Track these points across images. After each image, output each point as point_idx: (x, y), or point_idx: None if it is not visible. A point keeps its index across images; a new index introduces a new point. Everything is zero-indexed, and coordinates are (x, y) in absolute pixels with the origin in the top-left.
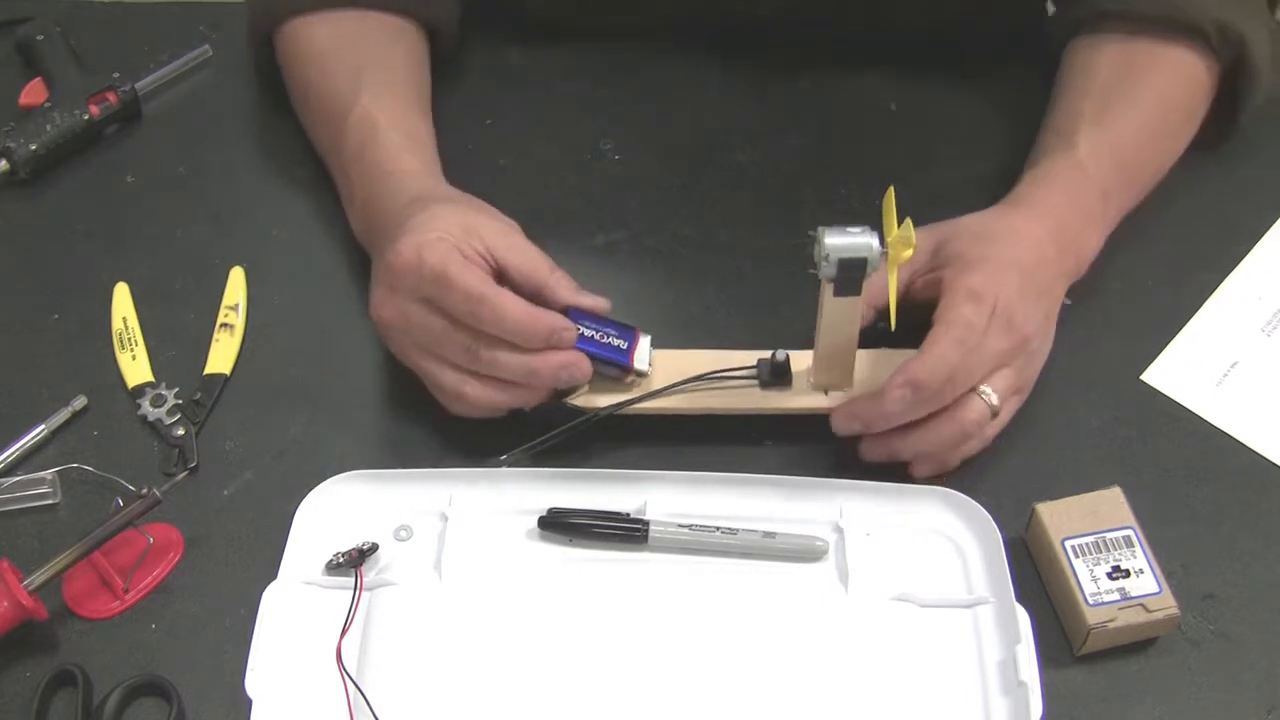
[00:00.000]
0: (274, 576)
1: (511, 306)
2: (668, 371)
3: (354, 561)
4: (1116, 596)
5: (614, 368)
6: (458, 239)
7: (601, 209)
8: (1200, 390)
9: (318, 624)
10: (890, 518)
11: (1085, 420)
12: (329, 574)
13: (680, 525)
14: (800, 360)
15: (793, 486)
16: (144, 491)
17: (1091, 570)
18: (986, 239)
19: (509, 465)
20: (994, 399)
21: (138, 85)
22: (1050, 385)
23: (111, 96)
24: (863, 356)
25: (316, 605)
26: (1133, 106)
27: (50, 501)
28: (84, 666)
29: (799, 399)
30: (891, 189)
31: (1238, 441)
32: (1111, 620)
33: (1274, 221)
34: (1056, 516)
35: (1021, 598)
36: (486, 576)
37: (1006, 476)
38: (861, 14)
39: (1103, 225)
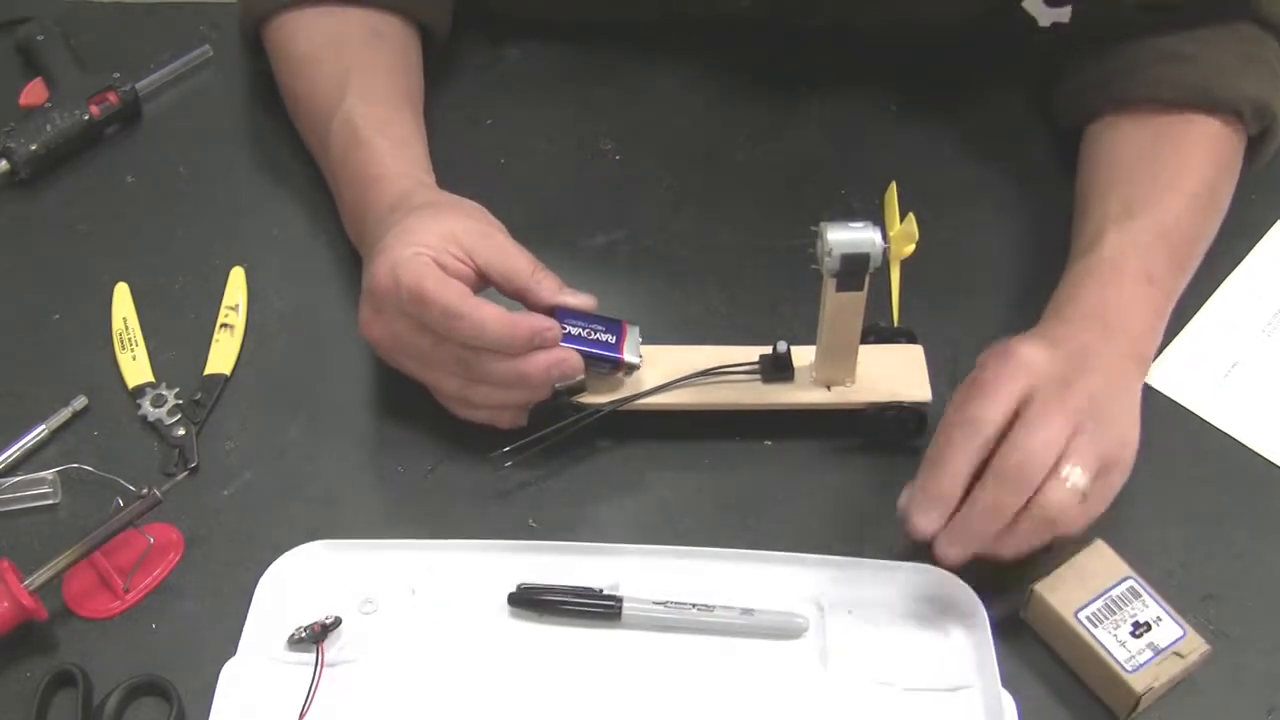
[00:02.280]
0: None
1: (490, 318)
2: (668, 368)
3: (316, 637)
4: (1149, 654)
5: (604, 364)
6: (435, 250)
7: (601, 209)
8: (1200, 390)
9: (278, 702)
10: (873, 595)
11: None
12: (290, 649)
13: (655, 602)
14: (802, 356)
15: (772, 561)
16: (144, 491)
17: (1115, 635)
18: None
19: (506, 463)
20: (1078, 475)
21: (138, 85)
22: None
23: (112, 96)
24: (865, 352)
25: (277, 682)
26: (1173, 188)
27: (50, 502)
28: (84, 666)
29: (802, 394)
30: (893, 184)
31: (1238, 441)
32: (1157, 680)
33: (1274, 221)
34: (1058, 591)
35: (1008, 683)
36: (454, 653)
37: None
38: (854, 12)
39: (1149, 306)
